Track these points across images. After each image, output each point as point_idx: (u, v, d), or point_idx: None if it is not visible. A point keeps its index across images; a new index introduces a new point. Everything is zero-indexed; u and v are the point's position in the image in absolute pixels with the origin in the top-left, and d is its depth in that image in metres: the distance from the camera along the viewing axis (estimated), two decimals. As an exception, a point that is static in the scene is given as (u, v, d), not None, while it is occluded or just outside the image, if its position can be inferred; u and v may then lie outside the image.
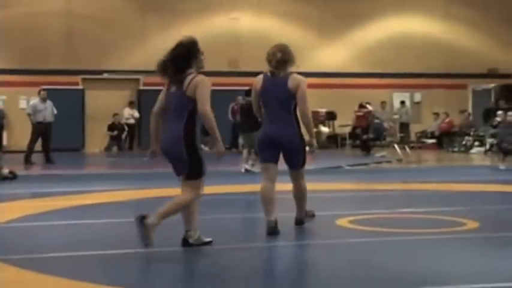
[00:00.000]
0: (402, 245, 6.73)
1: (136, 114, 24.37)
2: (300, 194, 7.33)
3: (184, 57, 6.27)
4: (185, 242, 6.29)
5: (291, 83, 7.01)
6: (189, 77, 6.30)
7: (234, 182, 12.63)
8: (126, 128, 24.46)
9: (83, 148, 24.08)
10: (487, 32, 27.49)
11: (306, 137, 7.22)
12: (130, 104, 24.64)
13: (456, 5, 27.20)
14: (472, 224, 7.62)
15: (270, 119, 7.08)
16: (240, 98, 24.21)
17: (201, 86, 6.29)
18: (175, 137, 6.22)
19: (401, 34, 26.86)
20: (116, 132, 24.36)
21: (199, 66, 6.39)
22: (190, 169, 6.20)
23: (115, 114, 24.29)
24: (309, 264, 5.97)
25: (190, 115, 6.33)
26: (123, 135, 24.54)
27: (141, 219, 5.93)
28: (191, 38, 6.42)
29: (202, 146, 6.65)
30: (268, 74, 7.16)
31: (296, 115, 7.09)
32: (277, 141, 6.98)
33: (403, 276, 5.39)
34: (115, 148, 24.18)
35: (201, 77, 6.38)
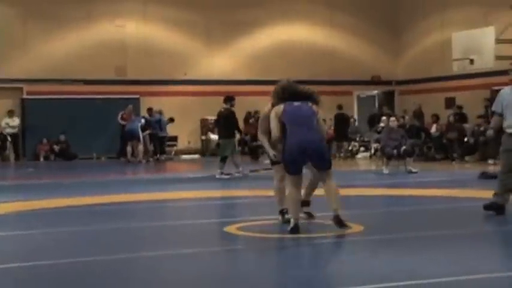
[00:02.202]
0: (289, 250, 6.78)
1: (15, 123, 23.57)
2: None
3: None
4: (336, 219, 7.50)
5: None
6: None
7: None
8: (8, 138, 23.62)
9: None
10: (371, 40, 28.29)
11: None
12: (9, 113, 23.76)
13: (340, 13, 27.85)
14: (357, 228, 7.75)
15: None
16: (131, 106, 23.95)
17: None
18: (319, 139, 7.66)
19: (287, 41, 27.24)
20: (-2, 143, 23.51)
21: None
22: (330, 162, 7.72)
23: (-4, 124, 23.46)
24: (195, 272, 5.89)
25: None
26: (7, 145, 23.67)
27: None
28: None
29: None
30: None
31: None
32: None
33: (288, 280, 5.41)
34: (-3, 159, 23.35)
35: None
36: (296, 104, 7.76)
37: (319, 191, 8.10)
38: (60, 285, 5.43)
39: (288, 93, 7.92)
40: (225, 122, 15.55)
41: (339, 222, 7.54)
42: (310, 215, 8.29)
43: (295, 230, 7.40)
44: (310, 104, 7.86)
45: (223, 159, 15.51)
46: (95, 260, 6.28)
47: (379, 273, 5.58)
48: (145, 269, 6.01)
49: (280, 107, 7.76)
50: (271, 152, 7.96)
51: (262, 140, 8.15)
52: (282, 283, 5.36)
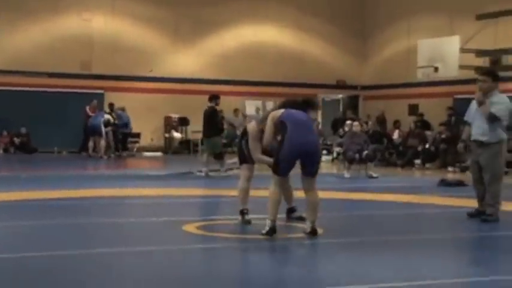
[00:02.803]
0: (248, 250, 6.77)
1: None
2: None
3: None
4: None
5: None
6: None
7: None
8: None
9: None
10: (337, 44, 28.42)
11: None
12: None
13: (307, 16, 27.93)
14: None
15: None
16: (95, 101, 23.75)
17: None
18: (318, 143, 7.87)
19: (255, 42, 27.25)
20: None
21: None
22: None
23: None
24: (147, 270, 5.84)
25: None
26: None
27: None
28: None
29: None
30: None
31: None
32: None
33: (239, 281, 5.40)
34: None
35: None
36: (295, 110, 7.73)
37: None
38: (9, 280, 5.35)
39: (288, 102, 7.99)
40: (209, 120, 15.64)
41: (314, 233, 7.46)
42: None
43: (272, 231, 7.25)
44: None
45: (219, 156, 15.60)
46: (48, 255, 6.21)
47: (334, 276, 5.60)
48: (98, 265, 5.95)
49: (279, 111, 7.72)
50: (271, 160, 7.78)
51: (259, 157, 8.04)
52: (233, 283, 5.34)
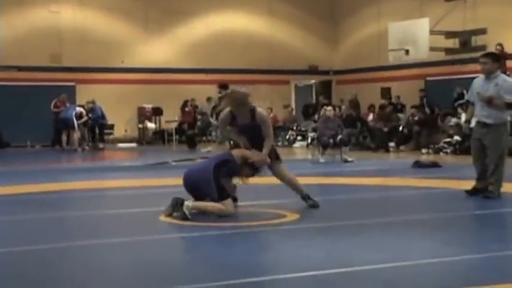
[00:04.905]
0: (224, 238, 6.78)
1: None
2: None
3: None
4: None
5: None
6: None
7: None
8: None
9: None
10: (308, 30, 28.46)
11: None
12: None
13: (279, 1, 27.93)
14: (292, 216, 7.81)
15: None
16: (64, 95, 23.53)
17: None
18: None
19: (225, 30, 27.20)
20: None
21: None
22: None
23: None
24: (123, 261, 5.83)
25: None
26: None
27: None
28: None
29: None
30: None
31: None
32: None
33: (219, 269, 5.41)
34: None
35: None
36: None
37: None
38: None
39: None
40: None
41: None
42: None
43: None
44: None
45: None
46: (23, 250, 6.16)
47: (313, 261, 5.63)
48: (73, 259, 5.93)
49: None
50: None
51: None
52: (213, 271, 5.35)
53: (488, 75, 9.07)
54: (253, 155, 8.11)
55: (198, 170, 8.09)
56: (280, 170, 8.51)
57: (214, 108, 16.35)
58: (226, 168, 7.90)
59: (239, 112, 8.31)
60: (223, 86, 16.25)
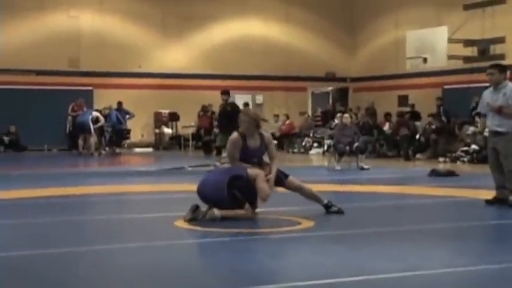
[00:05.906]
0: (240, 244, 6.77)
1: None
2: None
3: None
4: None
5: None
6: None
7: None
8: None
9: None
10: (326, 37, 28.44)
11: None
12: None
13: (296, 8, 27.93)
14: (308, 223, 7.79)
15: None
16: (81, 99, 23.66)
17: None
18: None
19: (243, 36, 27.24)
20: None
21: None
22: None
23: None
24: (137, 266, 5.84)
25: None
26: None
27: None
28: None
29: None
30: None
31: None
32: None
33: (233, 275, 5.41)
34: None
35: None
36: None
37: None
38: (2, 280, 5.34)
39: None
40: (226, 117, 15.63)
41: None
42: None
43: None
44: None
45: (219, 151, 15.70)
46: (40, 254, 6.19)
47: (327, 269, 5.61)
48: (90, 263, 5.94)
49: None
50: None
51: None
52: (226, 278, 5.35)
53: (496, 85, 9.20)
54: (263, 183, 7.97)
55: (212, 184, 8.04)
56: (291, 182, 8.58)
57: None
58: (239, 183, 7.91)
59: (252, 134, 8.30)
60: (225, 92, 16.26)
